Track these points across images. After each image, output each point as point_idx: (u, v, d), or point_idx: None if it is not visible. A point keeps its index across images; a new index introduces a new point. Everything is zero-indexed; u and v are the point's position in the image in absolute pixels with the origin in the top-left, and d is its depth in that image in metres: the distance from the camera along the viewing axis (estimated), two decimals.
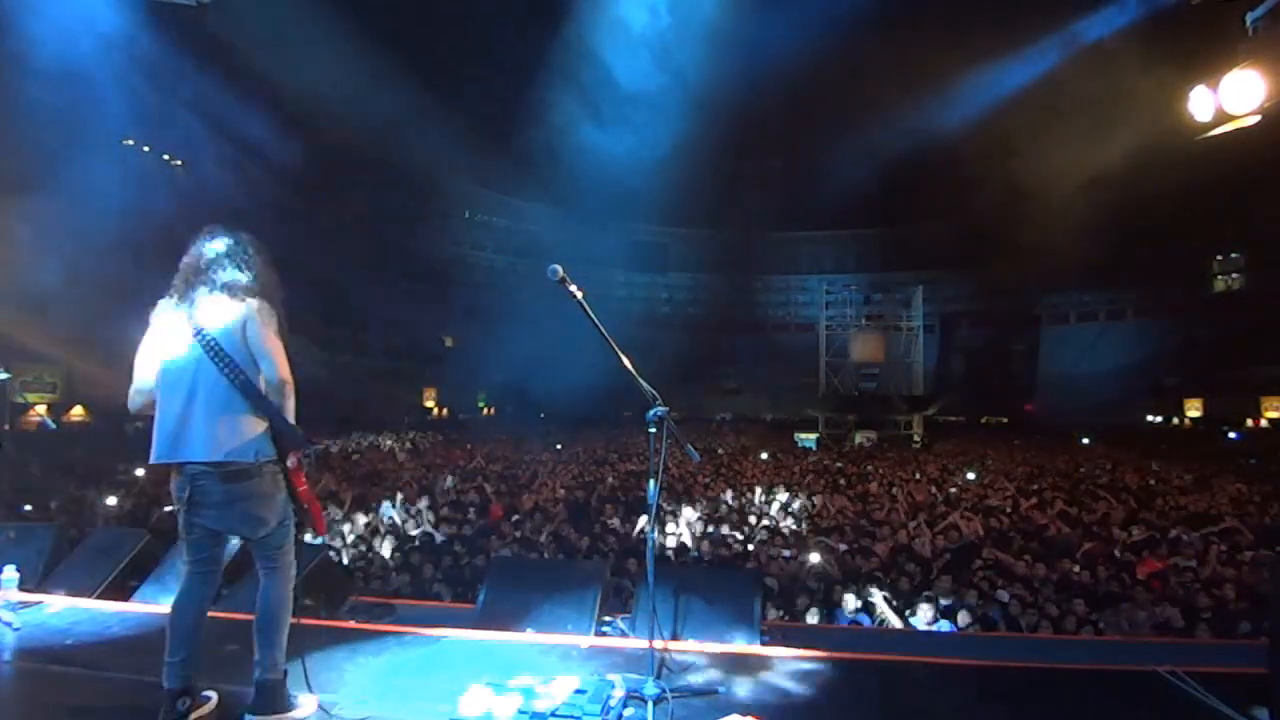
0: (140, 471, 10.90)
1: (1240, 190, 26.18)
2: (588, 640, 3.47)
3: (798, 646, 3.42)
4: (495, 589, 3.96)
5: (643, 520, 7.16)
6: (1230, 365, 29.03)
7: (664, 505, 8.06)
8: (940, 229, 36.70)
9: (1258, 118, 4.50)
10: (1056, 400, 33.46)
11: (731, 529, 7.85)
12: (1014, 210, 29.42)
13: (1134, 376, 32.26)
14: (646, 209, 33.02)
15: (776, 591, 5.50)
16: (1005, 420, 35.07)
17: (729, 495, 10.07)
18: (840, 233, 41.12)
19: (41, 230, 14.58)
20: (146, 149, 22.17)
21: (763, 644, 3.46)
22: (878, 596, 5.17)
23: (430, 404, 35.68)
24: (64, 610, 3.72)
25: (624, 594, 4.83)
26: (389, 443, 20.31)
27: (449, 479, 11.34)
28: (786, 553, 6.64)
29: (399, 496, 8.90)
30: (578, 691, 2.67)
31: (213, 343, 2.43)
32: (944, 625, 4.96)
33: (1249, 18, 4.55)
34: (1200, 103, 4.75)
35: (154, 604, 3.85)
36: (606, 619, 3.78)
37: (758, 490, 10.63)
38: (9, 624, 3.39)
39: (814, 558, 6.25)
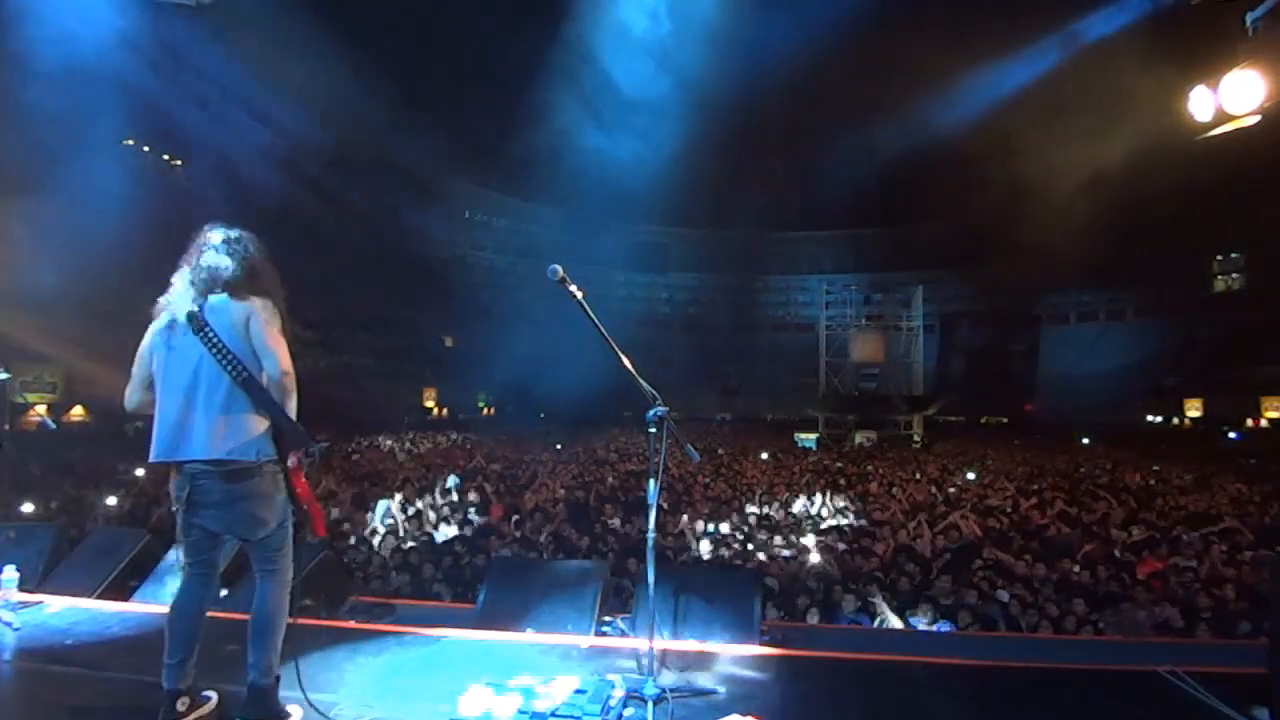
0: (140, 471, 10.90)
1: (1240, 190, 26.21)
2: (588, 640, 3.47)
3: (798, 646, 3.42)
4: (495, 589, 3.96)
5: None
6: (1230, 365, 29.05)
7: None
8: (940, 229, 36.74)
9: (1258, 118, 4.50)
10: (1056, 400, 33.49)
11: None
12: (1014, 210, 29.43)
13: (1134, 376, 32.29)
14: (646, 209, 33.03)
15: (776, 591, 5.49)
16: (1005, 420, 35.10)
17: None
18: (840, 233, 41.15)
19: (41, 230, 14.57)
20: (146, 149, 22.18)
21: (763, 644, 3.46)
22: (877, 597, 5.17)
23: (430, 404, 35.69)
24: (64, 610, 3.71)
25: (624, 594, 4.83)
26: (389, 443, 20.32)
27: (450, 479, 11.33)
28: (787, 552, 6.64)
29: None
30: (578, 691, 2.67)
31: (216, 340, 2.41)
32: (944, 625, 4.96)
33: (1249, 18, 4.55)
34: (1200, 103, 4.75)
35: (154, 604, 3.85)
36: (606, 619, 3.78)
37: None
38: (9, 624, 3.39)
39: (814, 558, 6.25)
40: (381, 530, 7.60)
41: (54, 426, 19.08)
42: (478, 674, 2.80)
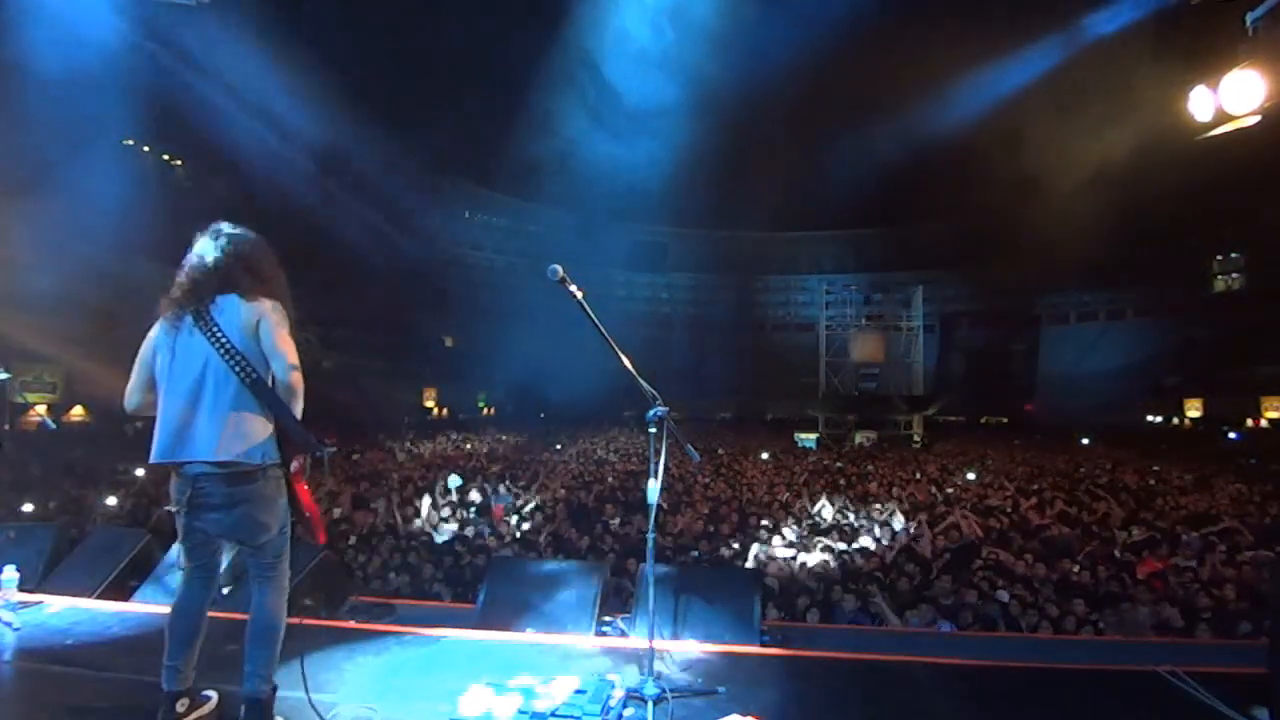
0: (140, 471, 10.90)
1: (1240, 190, 26.18)
2: (588, 640, 3.47)
3: (798, 647, 3.42)
4: (495, 589, 3.96)
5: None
6: (1230, 365, 29.05)
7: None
8: (940, 229, 36.76)
9: (1258, 118, 4.50)
10: (1056, 400, 33.49)
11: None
12: (1014, 210, 29.48)
13: (1134, 376, 32.29)
14: (646, 209, 33.03)
15: (776, 591, 5.49)
16: (1005, 420, 35.10)
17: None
18: (840, 233, 41.14)
19: (42, 230, 14.57)
20: (146, 149, 22.18)
21: (763, 644, 3.46)
22: (877, 597, 5.17)
23: (430, 404, 35.70)
24: (64, 610, 3.71)
25: (624, 594, 4.83)
26: (389, 443, 20.31)
27: (451, 478, 11.33)
28: (787, 552, 6.63)
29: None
30: (578, 691, 2.67)
31: (225, 341, 2.38)
32: (944, 625, 4.96)
33: (1249, 18, 4.55)
34: (1200, 103, 4.75)
35: (154, 604, 3.85)
36: (606, 619, 3.78)
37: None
38: (9, 624, 3.38)
39: (814, 558, 6.25)
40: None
41: (54, 426, 19.06)
42: (478, 674, 2.80)
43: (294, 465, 2.47)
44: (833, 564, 6.21)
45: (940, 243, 36.97)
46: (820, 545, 6.87)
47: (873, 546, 6.94)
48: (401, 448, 19.35)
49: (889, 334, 31.24)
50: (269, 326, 2.43)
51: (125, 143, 20.80)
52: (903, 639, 4.68)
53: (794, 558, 6.45)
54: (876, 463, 16.89)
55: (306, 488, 2.52)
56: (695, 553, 6.76)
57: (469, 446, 20.46)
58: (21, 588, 3.65)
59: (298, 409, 2.44)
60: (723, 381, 38.28)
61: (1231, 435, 26.98)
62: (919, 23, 23.92)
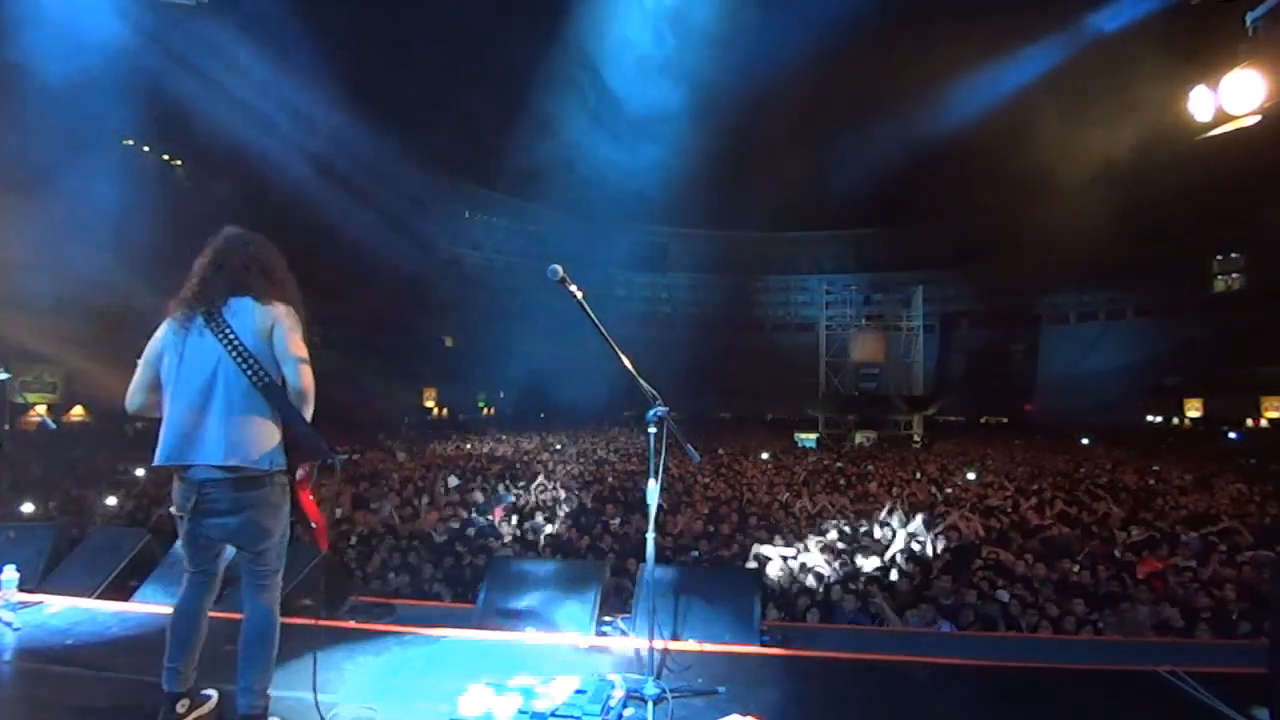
0: (140, 471, 10.91)
1: (1241, 190, 26.20)
2: (588, 640, 3.47)
3: (798, 647, 3.42)
4: (495, 589, 3.95)
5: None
6: (1230, 365, 29.06)
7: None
8: (940, 229, 36.80)
9: (1258, 118, 4.49)
10: (1056, 400, 33.52)
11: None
12: (1013, 210, 29.51)
13: (1134, 376, 32.30)
14: (647, 209, 33.06)
15: (776, 591, 5.49)
16: (1005, 420, 35.11)
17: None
18: (840, 233, 41.17)
19: (42, 231, 14.58)
20: (146, 149, 22.19)
21: (763, 644, 3.46)
22: (877, 597, 5.17)
23: (430, 404, 35.70)
24: (64, 610, 3.71)
25: (624, 594, 4.83)
26: (389, 443, 20.31)
27: (452, 478, 11.33)
28: (787, 552, 6.63)
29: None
30: (578, 691, 2.67)
31: (238, 344, 2.35)
32: (944, 625, 4.96)
33: (1249, 18, 4.55)
34: (1200, 103, 4.74)
35: (154, 604, 3.84)
36: (606, 619, 3.78)
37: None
38: (9, 624, 3.39)
39: (813, 558, 6.24)
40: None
41: (54, 426, 19.05)
42: (478, 674, 2.80)
43: (300, 473, 2.45)
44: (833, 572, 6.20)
45: (940, 243, 37.00)
46: (820, 545, 6.86)
47: (876, 563, 6.79)
48: (401, 448, 19.36)
49: (889, 334, 31.25)
50: (283, 331, 2.41)
51: (125, 143, 20.82)
52: (903, 639, 4.67)
53: (795, 556, 6.45)
54: (876, 463, 16.89)
55: (312, 496, 2.50)
56: (695, 553, 6.76)
57: (469, 447, 20.46)
58: (21, 588, 3.65)
59: (308, 414, 2.42)
60: (723, 381, 38.31)
61: (1231, 435, 26.98)
62: (919, 23, 23.96)
